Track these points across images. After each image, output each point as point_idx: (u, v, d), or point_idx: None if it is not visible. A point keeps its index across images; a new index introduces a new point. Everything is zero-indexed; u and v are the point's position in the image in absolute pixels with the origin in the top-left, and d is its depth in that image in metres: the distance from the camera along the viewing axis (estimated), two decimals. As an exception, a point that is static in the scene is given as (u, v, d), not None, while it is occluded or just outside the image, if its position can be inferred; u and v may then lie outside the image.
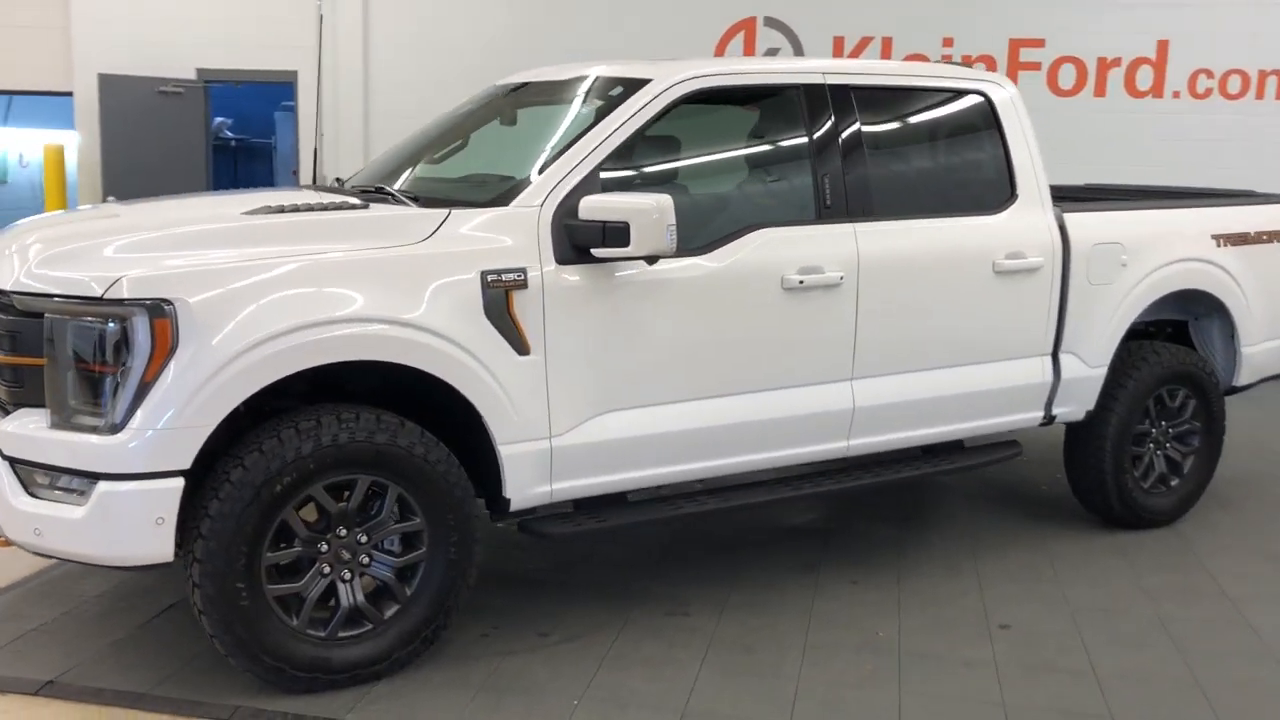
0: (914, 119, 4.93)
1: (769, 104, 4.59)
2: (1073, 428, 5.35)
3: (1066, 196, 6.03)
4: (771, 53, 10.23)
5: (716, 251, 4.12)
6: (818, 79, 4.48)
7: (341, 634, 3.65)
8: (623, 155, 4.09)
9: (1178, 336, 5.82)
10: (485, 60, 10.17)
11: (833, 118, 4.45)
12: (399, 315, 3.55)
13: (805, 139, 4.43)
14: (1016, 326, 4.87)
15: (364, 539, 3.67)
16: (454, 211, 3.81)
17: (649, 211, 3.69)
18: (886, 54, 10.06)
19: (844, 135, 4.46)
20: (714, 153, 4.67)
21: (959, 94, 4.89)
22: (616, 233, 3.72)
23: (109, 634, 4.04)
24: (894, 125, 4.83)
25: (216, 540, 3.40)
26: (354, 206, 3.93)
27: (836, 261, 4.33)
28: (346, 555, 3.65)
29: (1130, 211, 5.37)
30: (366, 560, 3.68)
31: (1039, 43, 9.88)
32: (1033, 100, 9.85)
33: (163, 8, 11.30)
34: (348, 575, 3.66)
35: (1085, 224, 5.05)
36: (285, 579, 3.59)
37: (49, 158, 11.63)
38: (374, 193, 4.28)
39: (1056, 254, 4.90)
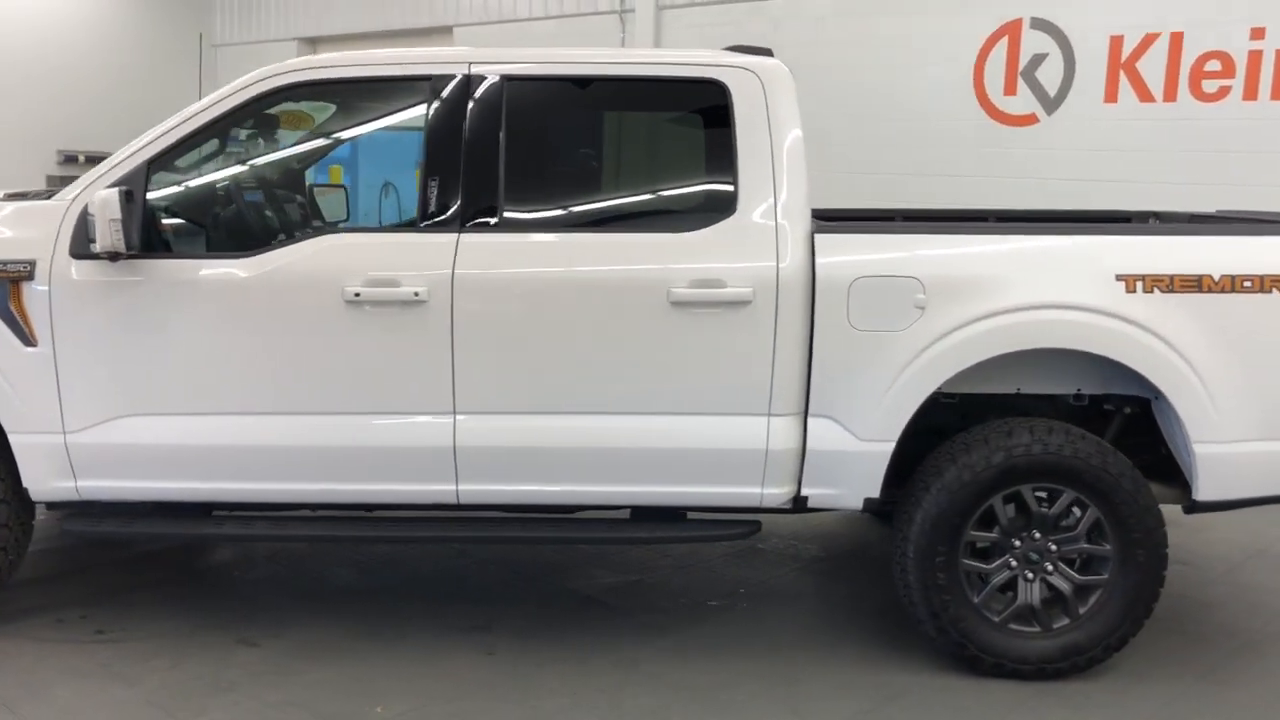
0: (599, 114, 4.09)
1: (390, 98, 4.12)
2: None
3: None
4: (1038, 59, 8.62)
5: (263, 256, 3.82)
6: (458, 69, 3.92)
7: None
8: (188, 151, 3.95)
9: (1141, 421, 4.12)
10: None
11: (466, 114, 3.86)
12: (-112, 296, 3.80)
13: (421, 138, 3.91)
14: (715, 374, 3.82)
15: (-105, 503, 3.97)
16: (-11, 204, 3.98)
17: (98, 207, 3.58)
18: (1175, 53, 8.00)
19: (475, 134, 3.85)
20: (305, 151, 4.28)
21: (685, 84, 3.96)
22: (93, 228, 3.65)
23: None
24: (564, 123, 4.06)
25: None
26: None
27: (420, 276, 3.77)
28: (-118, 514, 3.99)
29: (936, 235, 3.91)
30: (-101, 523, 3.98)
31: (1391, 29, 7.24)
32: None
33: (508, 43, 12.40)
34: (-117, 534, 3.99)
35: (846, 250, 3.81)
36: None
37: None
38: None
39: (787, 287, 3.76)
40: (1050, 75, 8.53)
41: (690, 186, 3.99)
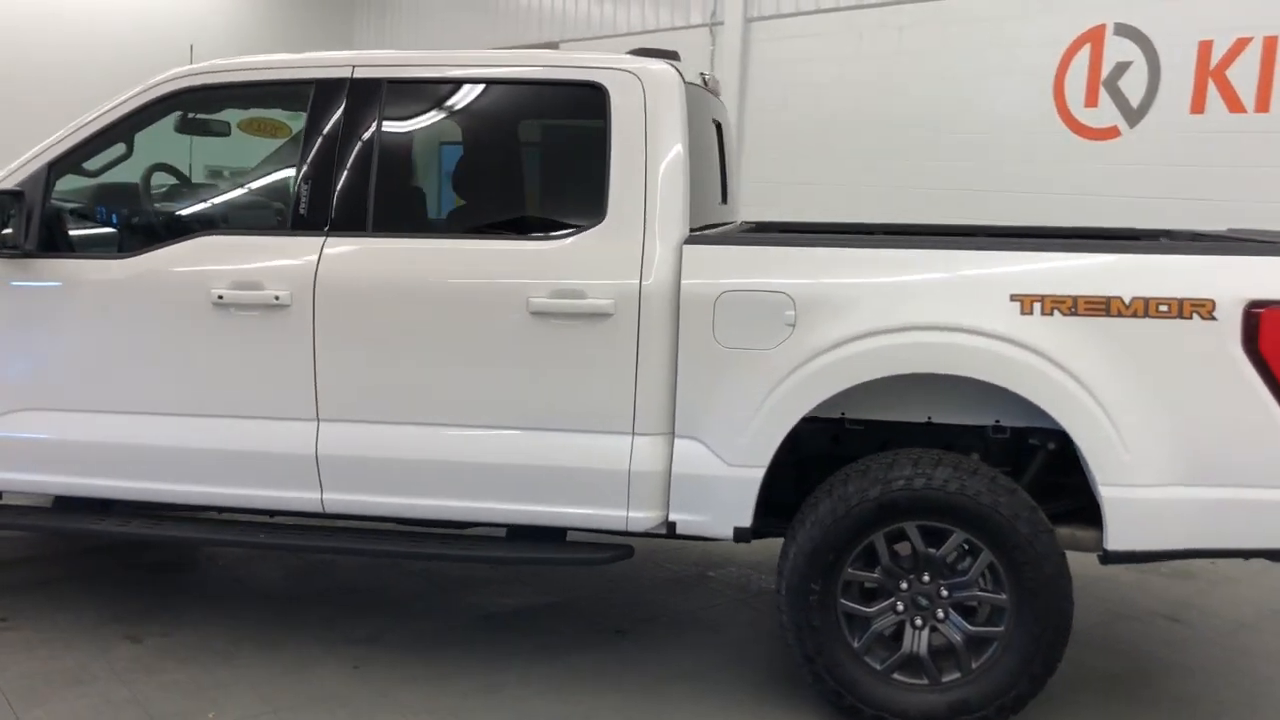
0: (478, 118, 3.97)
1: (279, 102, 4.11)
2: (786, 551, 3.78)
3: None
4: (1121, 68, 7.99)
5: (145, 256, 3.87)
6: (342, 73, 3.88)
7: None
8: (90, 154, 4.03)
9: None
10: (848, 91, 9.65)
11: (343, 116, 3.83)
12: None
13: (301, 139, 3.89)
14: (577, 389, 3.65)
15: None
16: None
17: None
18: (1269, 59, 7.27)
19: (350, 136, 3.81)
20: (207, 152, 4.28)
21: (566, 87, 3.80)
22: (-24, 226, 3.78)
23: None
24: (443, 127, 3.95)
25: None
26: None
27: (283, 279, 3.75)
28: None
29: (810, 248, 3.60)
30: None
31: None
32: None
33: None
34: None
35: (714, 263, 3.58)
36: None
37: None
38: None
39: (649, 299, 3.56)
40: (1133, 85, 7.92)
41: (564, 192, 3.84)
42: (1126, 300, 3.35)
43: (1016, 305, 3.40)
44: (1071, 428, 3.40)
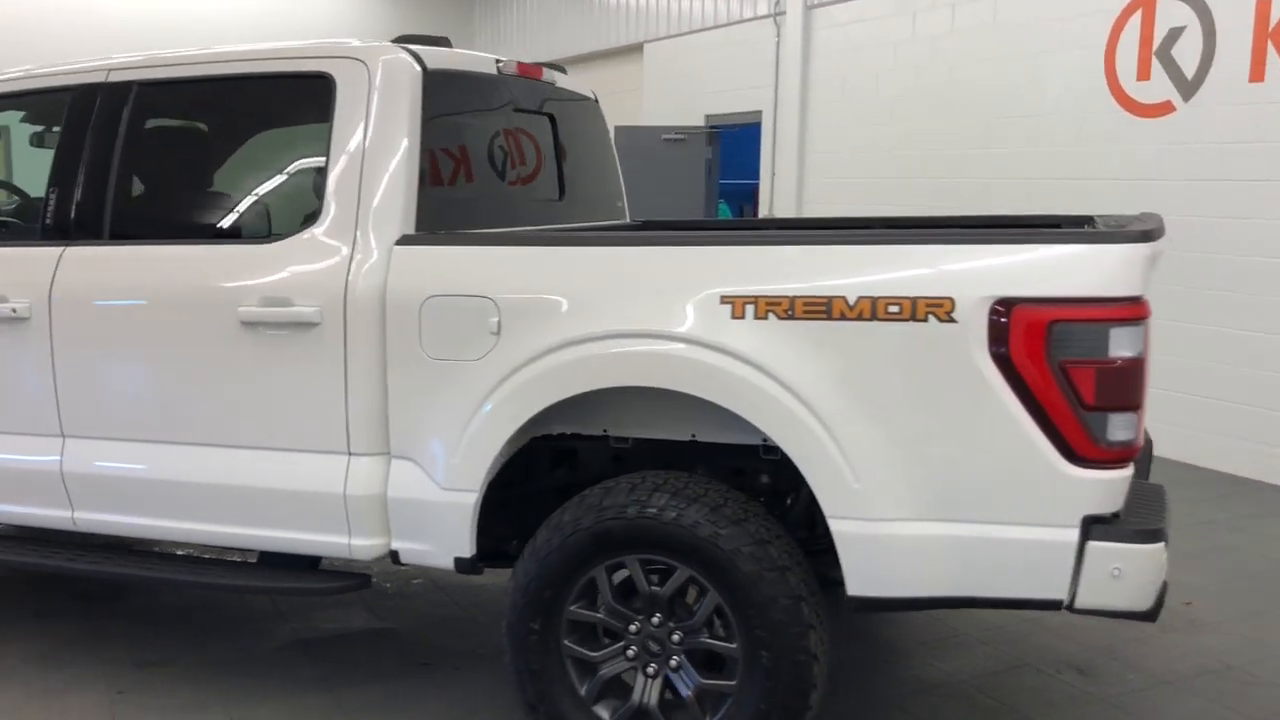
0: (217, 117, 3.74)
1: (51, 112, 3.98)
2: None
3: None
4: (1174, 34, 7.02)
5: (-89, 274, 3.86)
6: (97, 77, 3.76)
7: None
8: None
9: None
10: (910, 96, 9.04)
11: (92, 123, 3.71)
12: None
13: (54, 149, 3.79)
14: (290, 405, 3.39)
15: None
16: None
17: None
18: (1334, 16, 6.23)
19: (97, 141, 3.69)
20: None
21: (298, 79, 3.54)
22: None
23: None
24: (185, 128, 3.76)
25: None
26: None
27: (24, 291, 3.66)
28: None
29: (514, 248, 3.18)
30: None
31: None
32: None
33: (690, 69, 12.14)
34: None
35: (421, 266, 3.24)
36: None
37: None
38: None
39: (355, 306, 3.27)
40: (1187, 53, 6.99)
41: (292, 191, 3.58)
42: (850, 300, 2.82)
43: (727, 308, 2.92)
44: (789, 448, 2.89)
